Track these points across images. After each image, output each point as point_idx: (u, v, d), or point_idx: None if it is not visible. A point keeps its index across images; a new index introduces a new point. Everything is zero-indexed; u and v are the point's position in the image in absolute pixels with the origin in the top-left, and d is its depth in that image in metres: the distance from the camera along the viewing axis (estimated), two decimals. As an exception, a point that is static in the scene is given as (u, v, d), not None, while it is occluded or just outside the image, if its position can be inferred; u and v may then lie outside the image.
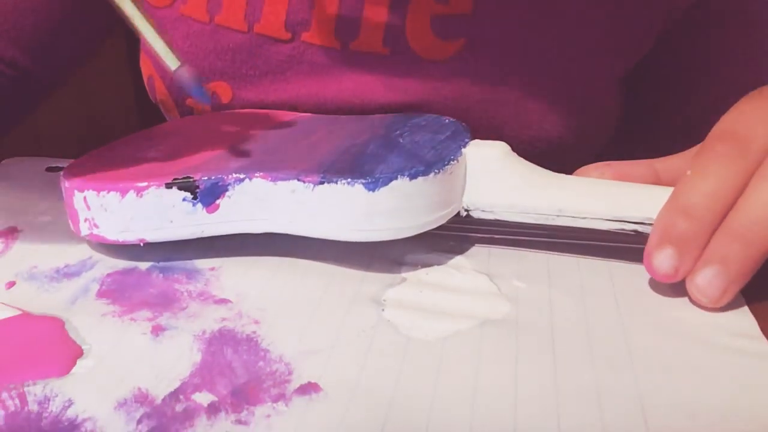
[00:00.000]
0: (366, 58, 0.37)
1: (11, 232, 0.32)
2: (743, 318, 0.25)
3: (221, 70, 0.39)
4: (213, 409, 0.21)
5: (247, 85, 0.39)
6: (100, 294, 0.27)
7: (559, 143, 0.38)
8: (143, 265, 0.29)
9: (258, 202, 0.28)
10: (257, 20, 0.37)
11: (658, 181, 0.29)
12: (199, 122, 0.37)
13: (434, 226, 0.28)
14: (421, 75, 0.37)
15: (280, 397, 0.22)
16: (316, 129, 0.33)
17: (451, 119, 0.32)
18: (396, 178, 0.26)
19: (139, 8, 0.29)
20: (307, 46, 0.37)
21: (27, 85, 0.43)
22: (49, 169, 0.38)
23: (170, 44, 0.29)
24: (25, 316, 0.26)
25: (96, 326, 0.25)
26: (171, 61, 0.29)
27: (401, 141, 0.30)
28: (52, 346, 0.24)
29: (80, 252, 0.30)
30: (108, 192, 0.27)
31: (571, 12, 0.37)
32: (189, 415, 0.21)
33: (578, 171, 0.30)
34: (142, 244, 0.28)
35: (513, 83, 0.37)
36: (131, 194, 0.27)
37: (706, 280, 0.25)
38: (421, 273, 0.28)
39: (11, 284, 0.28)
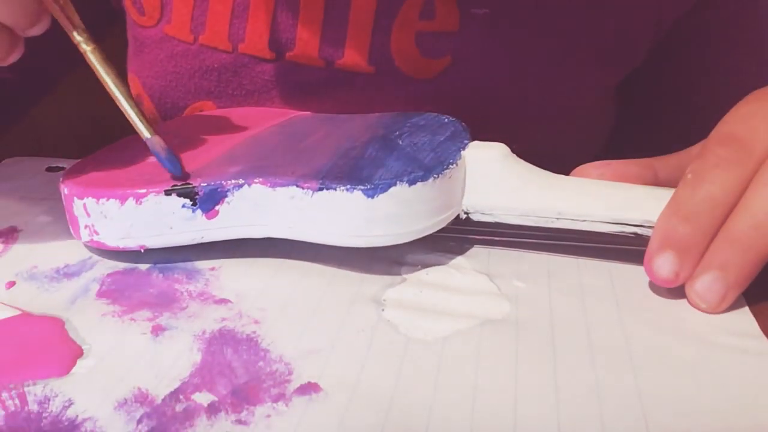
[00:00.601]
0: (352, 77, 0.37)
1: (11, 232, 0.32)
2: (743, 317, 0.25)
3: (206, 90, 0.39)
4: (213, 409, 0.21)
5: (232, 104, 0.39)
6: (100, 294, 0.27)
7: (548, 155, 0.38)
8: (143, 265, 0.29)
9: (257, 207, 0.28)
10: (241, 40, 0.37)
11: (656, 180, 0.29)
12: (197, 122, 0.37)
13: (433, 231, 0.28)
14: (408, 93, 0.37)
15: (280, 397, 0.22)
16: (314, 129, 0.33)
17: (451, 118, 0.32)
18: (395, 185, 0.26)
19: (115, 78, 0.28)
20: (292, 65, 0.37)
21: (12, 96, 0.43)
22: (49, 169, 0.38)
23: (143, 113, 0.29)
24: (25, 316, 0.26)
25: (96, 326, 0.25)
26: (143, 131, 0.29)
27: (400, 143, 0.30)
28: (52, 346, 0.24)
29: (80, 252, 0.30)
30: (107, 199, 0.28)
31: (556, 28, 0.37)
32: (189, 415, 0.21)
33: (577, 169, 0.30)
34: (142, 250, 0.28)
35: (500, 99, 0.37)
36: (130, 201, 0.27)
37: (705, 285, 0.25)
38: (421, 273, 0.28)
39: (11, 284, 0.28)
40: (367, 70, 0.37)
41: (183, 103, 0.40)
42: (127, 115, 0.29)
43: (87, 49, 0.28)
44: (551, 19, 0.36)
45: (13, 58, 0.27)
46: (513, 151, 0.29)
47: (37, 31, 0.27)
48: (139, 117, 0.29)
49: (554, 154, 0.38)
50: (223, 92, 0.39)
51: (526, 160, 0.29)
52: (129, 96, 0.29)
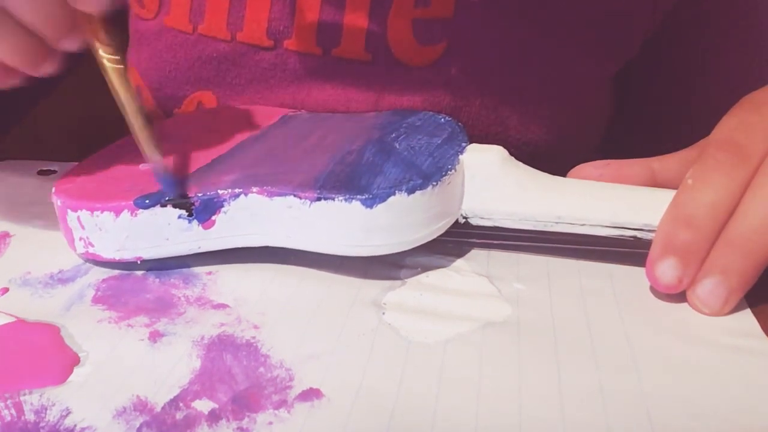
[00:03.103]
0: (349, 65, 0.37)
1: (3, 237, 0.31)
2: (744, 318, 0.25)
3: (206, 79, 0.39)
4: (214, 417, 0.21)
5: (231, 93, 0.39)
6: (96, 300, 0.27)
7: (545, 146, 0.38)
8: (139, 271, 0.28)
9: (254, 217, 0.27)
10: (240, 29, 0.37)
11: (654, 180, 0.29)
12: (192, 122, 0.36)
13: (432, 238, 0.28)
14: (404, 80, 0.37)
15: (282, 403, 0.21)
16: (309, 131, 0.33)
17: (447, 118, 0.32)
18: (394, 194, 0.26)
19: (131, 96, 0.28)
20: (290, 54, 0.37)
21: (10, 98, 0.43)
22: (41, 173, 0.38)
23: (153, 135, 0.29)
24: (20, 324, 0.25)
25: (92, 333, 0.25)
26: (150, 153, 0.28)
27: (397, 146, 0.30)
28: (48, 353, 0.24)
29: (74, 257, 0.29)
30: (102, 212, 0.27)
31: (551, 16, 0.37)
32: (189, 422, 0.21)
33: (576, 168, 0.30)
34: (138, 262, 0.28)
35: (495, 87, 0.37)
36: (125, 213, 0.27)
37: (707, 290, 0.25)
38: (421, 276, 0.28)
39: (4, 291, 0.27)
40: (363, 58, 0.37)
41: (182, 93, 0.40)
42: (134, 134, 0.28)
43: (110, 66, 0.28)
44: (546, 4, 0.36)
45: (46, 70, 0.27)
46: (510, 144, 0.29)
47: (69, 45, 0.27)
48: (148, 139, 0.28)
49: (552, 144, 0.38)
50: (222, 82, 0.39)
51: (523, 150, 0.29)
52: (143, 115, 0.28)
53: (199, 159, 0.30)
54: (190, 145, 0.32)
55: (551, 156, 0.34)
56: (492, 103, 0.37)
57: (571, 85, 0.39)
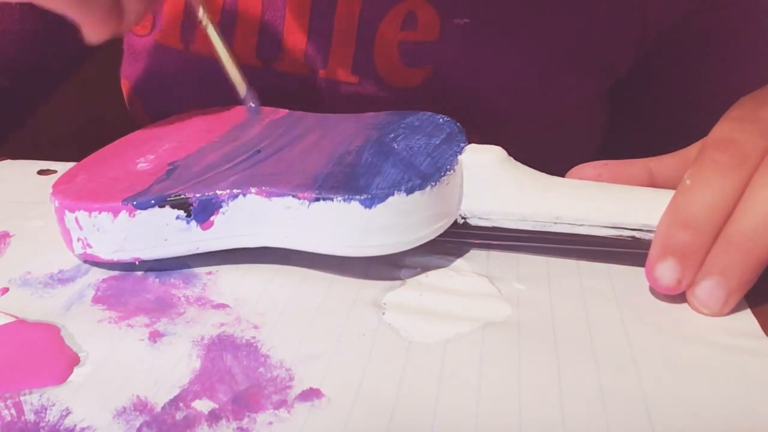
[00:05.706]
0: (335, 86, 0.37)
1: (3, 237, 0.31)
2: (744, 318, 0.25)
3: (196, 97, 0.39)
4: (214, 417, 0.21)
5: None
6: (96, 300, 0.27)
7: (536, 162, 0.38)
8: (139, 270, 0.28)
9: (253, 218, 0.27)
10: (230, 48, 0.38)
11: (652, 181, 0.29)
12: (189, 122, 0.36)
13: (431, 238, 0.28)
14: (390, 102, 0.37)
15: (282, 403, 0.21)
16: (307, 131, 0.33)
17: (446, 118, 0.32)
18: (392, 194, 0.26)
19: (219, 36, 0.35)
20: (278, 74, 0.38)
21: (9, 104, 0.43)
22: (41, 173, 0.38)
23: (241, 72, 0.35)
24: (20, 324, 0.25)
25: (92, 333, 0.25)
26: (240, 87, 0.35)
27: (395, 147, 0.30)
28: (48, 353, 0.24)
29: (74, 257, 0.29)
30: (99, 213, 0.27)
31: (536, 39, 0.37)
32: (190, 423, 0.21)
33: (575, 168, 0.30)
34: (137, 263, 0.28)
35: (482, 107, 0.37)
36: (123, 214, 0.27)
37: (706, 291, 0.25)
38: (421, 276, 0.28)
39: (4, 291, 0.27)
40: (350, 80, 0.37)
41: (174, 110, 0.40)
42: (227, 72, 0.35)
43: (207, 22, 0.34)
44: (531, 28, 0.37)
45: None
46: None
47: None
48: (238, 76, 0.35)
49: (541, 161, 0.38)
50: (213, 100, 0.39)
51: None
52: (231, 55, 0.35)
53: (197, 160, 0.30)
54: (187, 147, 0.32)
55: (542, 169, 0.34)
56: (479, 123, 0.37)
57: (559, 103, 0.39)
